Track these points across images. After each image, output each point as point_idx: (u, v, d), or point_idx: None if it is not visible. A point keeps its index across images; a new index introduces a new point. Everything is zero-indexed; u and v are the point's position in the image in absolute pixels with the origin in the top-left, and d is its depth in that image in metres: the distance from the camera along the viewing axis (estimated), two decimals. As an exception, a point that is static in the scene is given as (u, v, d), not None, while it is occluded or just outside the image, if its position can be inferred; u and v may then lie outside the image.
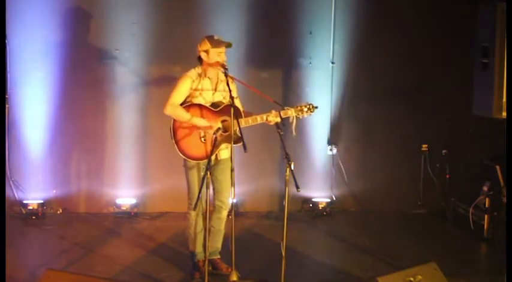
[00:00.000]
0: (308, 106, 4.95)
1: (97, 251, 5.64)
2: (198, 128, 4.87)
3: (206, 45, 4.89)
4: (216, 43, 4.88)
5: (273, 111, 4.88)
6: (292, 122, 4.90)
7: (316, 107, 4.99)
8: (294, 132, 4.90)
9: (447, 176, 7.08)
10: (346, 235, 6.41)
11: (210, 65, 4.89)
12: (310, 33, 7.11)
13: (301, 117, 4.95)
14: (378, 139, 7.32)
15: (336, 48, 7.19)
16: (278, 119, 4.85)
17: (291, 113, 4.91)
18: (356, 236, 6.35)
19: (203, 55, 4.91)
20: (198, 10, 6.92)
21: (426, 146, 7.23)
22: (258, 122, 4.89)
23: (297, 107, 4.94)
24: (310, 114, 4.98)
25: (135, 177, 7.05)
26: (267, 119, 4.86)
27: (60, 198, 6.94)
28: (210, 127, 4.83)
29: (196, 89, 4.91)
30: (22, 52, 6.73)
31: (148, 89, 6.98)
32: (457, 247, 6.06)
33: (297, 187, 4.38)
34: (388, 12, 7.14)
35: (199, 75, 4.94)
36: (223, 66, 4.81)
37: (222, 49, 4.88)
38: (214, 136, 4.79)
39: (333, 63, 7.21)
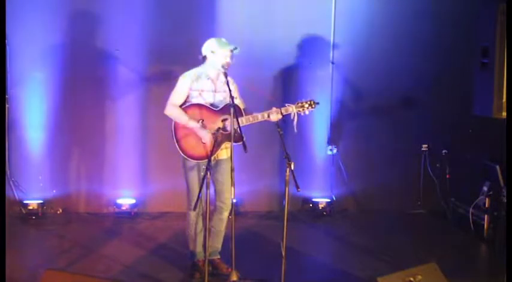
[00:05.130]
0: (309, 102, 4.94)
1: (97, 251, 5.64)
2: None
3: (214, 45, 4.90)
4: (223, 45, 4.90)
5: (274, 108, 4.88)
6: (294, 118, 4.90)
7: (317, 103, 4.99)
8: (295, 129, 4.90)
9: (447, 176, 7.08)
10: (346, 235, 6.41)
11: (213, 65, 4.90)
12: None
13: (302, 113, 4.94)
14: (378, 139, 7.32)
15: (335, 48, 7.19)
16: (279, 116, 4.85)
17: (291, 109, 4.90)
18: (356, 236, 6.35)
19: (209, 55, 4.92)
20: (198, 9, 6.92)
21: (426, 146, 7.24)
22: (259, 120, 4.89)
23: (298, 103, 4.93)
24: (311, 110, 4.97)
25: (135, 177, 7.05)
26: (268, 117, 4.87)
27: (60, 198, 6.94)
28: (206, 133, 4.83)
29: (196, 90, 4.92)
30: (22, 52, 6.73)
31: (148, 89, 6.98)
32: (457, 247, 6.06)
33: (297, 187, 4.38)
34: (388, 12, 7.15)
35: (200, 75, 4.94)
36: (223, 67, 4.82)
37: (229, 52, 4.89)
38: (214, 136, 4.80)
39: (333, 63, 7.22)
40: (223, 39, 4.96)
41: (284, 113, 4.89)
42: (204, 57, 4.96)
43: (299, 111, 4.92)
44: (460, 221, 6.64)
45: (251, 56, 6.90)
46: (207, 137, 4.84)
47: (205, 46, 4.95)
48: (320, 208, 7.12)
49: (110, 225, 6.62)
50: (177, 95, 4.93)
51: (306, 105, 4.93)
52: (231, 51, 4.91)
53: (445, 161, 7.14)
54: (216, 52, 4.89)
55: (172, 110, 4.90)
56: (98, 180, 6.99)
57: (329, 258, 5.78)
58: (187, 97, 4.93)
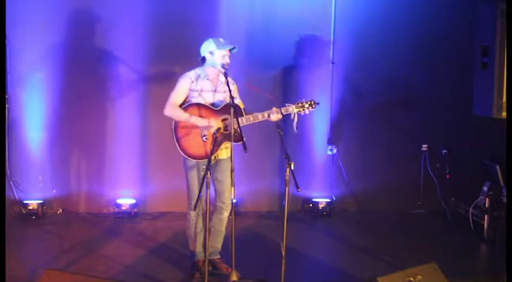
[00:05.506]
0: (309, 102, 4.94)
1: (97, 251, 5.64)
2: (199, 126, 4.88)
3: (212, 46, 4.89)
4: (221, 45, 4.88)
5: (274, 108, 4.88)
6: (294, 118, 4.90)
7: (318, 103, 4.99)
8: (295, 129, 4.90)
9: (447, 176, 7.08)
10: (346, 235, 6.41)
11: (212, 66, 4.89)
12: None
13: (302, 113, 4.94)
14: (378, 139, 7.33)
15: (336, 48, 7.19)
16: (279, 116, 4.86)
17: (292, 109, 4.90)
18: (356, 236, 6.35)
19: (208, 56, 4.92)
20: (198, 10, 6.92)
21: (426, 146, 7.24)
22: (259, 120, 4.89)
23: (298, 103, 4.93)
24: (311, 110, 4.97)
25: (135, 177, 7.05)
26: (268, 116, 4.87)
27: (60, 198, 6.94)
28: (210, 126, 4.84)
29: (195, 90, 4.91)
30: (22, 52, 6.73)
31: (148, 89, 6.98)
32: (456, 247, 6.06)
33: (297, 187, 4.38)
34: (388, 12, 7.15)
35: (199, 76, 4.94)
36: (223, 66, 4.82)
37: (227, 52, 4.88)
38: (214, 135, 4.80)
39: (333, 63, 7.22)
40: (221, 39, 4.95)
41: (284, 113, 4.89)
42: (203, 58, 4.96)
43: (299, 111, 4.92)
44: (460, 221, 6.64)
45: (251, 56, 6.91)
46: (209, 124, 4.82)
47: (203, 47, 4.94)
48: (320, 208, 7.12)
49: (110, 225, 6.62)
50: (177, 95, 4.92)
51: (306, 105, 4.93)
52: (230, 51, 4.91)
53: (445, 161, 7.14)
54: (214, 53, 4.88)
55: (172, 110, 4.89)
56: (98, 181, 6.99)
57: (329, 258, 5.77)
58: (187, 97, 4.93)
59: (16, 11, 6.56)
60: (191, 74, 4.95)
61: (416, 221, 7.05)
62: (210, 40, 4.93)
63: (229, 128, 4.76)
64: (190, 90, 4.91)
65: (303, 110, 4.92)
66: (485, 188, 6.30)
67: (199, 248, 5.08)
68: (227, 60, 4.88)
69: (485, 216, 6.20)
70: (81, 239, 6.02)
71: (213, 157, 4.84)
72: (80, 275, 4.27)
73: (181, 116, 4.87)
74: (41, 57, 6.79)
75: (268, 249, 5.55)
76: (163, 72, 6.80)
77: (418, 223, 6.98)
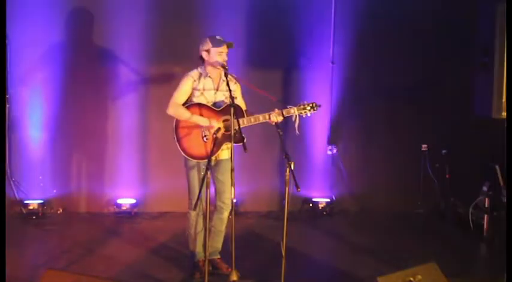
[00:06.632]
0: (311, 105, 4.93)
1: (97, 251, 5.64)
2: (200, 127, 4.88)
3: (207, 44, 4.89)
4: (217, 42, 4.88)
5: (276, 110, 4.88)
6: (295, 120, 4.90)
7: (319, 105, 4.98)
8: (297, 131, 4.90)
9: (447, 176, 7.08)
10: (346, 235, 6.41)
11: (211, 64, 4.89)
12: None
13: (304, 115, 4.94)
14: (378, 139, 7.33)
15: (336, 48, 7.19)
16: (280, 118, 4.85)
17: (293, 111, 4.90)
18: (356, 236, 6.35)
19: (204, 54, 4.91)
20: (198, 10, 6.92)
21: (426, 146, 7.23)
22: (261, 121, 4.89)
23: (300, 105, 4.93)
24: (313, 113, 4.97)
25: (135, 177, 7.05)
26: (269, 118, 4.86)
27: (60, 198, 6.95)
28: (212, 126, 4.84)
29: (197, 89, 4.92)
30: (23, 52, 6.73)
31: (148, 89, 6.98)
32: (457, 247, 6.06)
33: (297, 187, 4.38)
34: (388, 12, 7.15)
35: (201, 75, 4.94)
36: (223, 66, 4.81)
37: (223, 49, 4.88)
38: (214, 136, 4.80)
39: (333, 63, 7.22)
40: (218, 37, 4.92)
41: (286, 115, 4.89)
42: (201, 57, 4.96)
43: (301, 113, 4.91)
44: (460, 221, 6.64)
45: (251, 56, 6.91)
46: (210, 124, 4.82)
47: (201, 46, 4.94)
48: (320, 208, 7.12)
49: (110, 225, 6.62)
50: (180, 94, 4.92)
51: (308, 108, 4.92)
52: (227, 47, 4.89)
53: (445, 161, 7.14)
54: (211, 51, 4.87)
55: (175, 108, 4.89)
56: (98, 180, 7.00)
57: (329, 258, 5.78)
58: (190, 96, 4.93)
59: (16, 10, 6.56)
60: (194, 73, 4.95)
61: (416, 221, 7.04)
62: (206, 38, 4.92)
63: (230, 128, 4.76)
64: (193, 89, 4.92)
65: (305, 112, 4.92)
66: (485, 188, 6.30)
67: (199, 248, 5.08)
68: (224, 57, 4.87)
69: (485, 216, 6.20)
70: (81, 239, 6.02)
71: (213, 157, 4.84)
72: (80, 275, 4.26)
73: (184, 114, 4.87)
74: (41, 57, 6.79)
75: (268, 249, 5.56)
76: (164, 72, 6.81)
77: (418, 223, 6.98)
